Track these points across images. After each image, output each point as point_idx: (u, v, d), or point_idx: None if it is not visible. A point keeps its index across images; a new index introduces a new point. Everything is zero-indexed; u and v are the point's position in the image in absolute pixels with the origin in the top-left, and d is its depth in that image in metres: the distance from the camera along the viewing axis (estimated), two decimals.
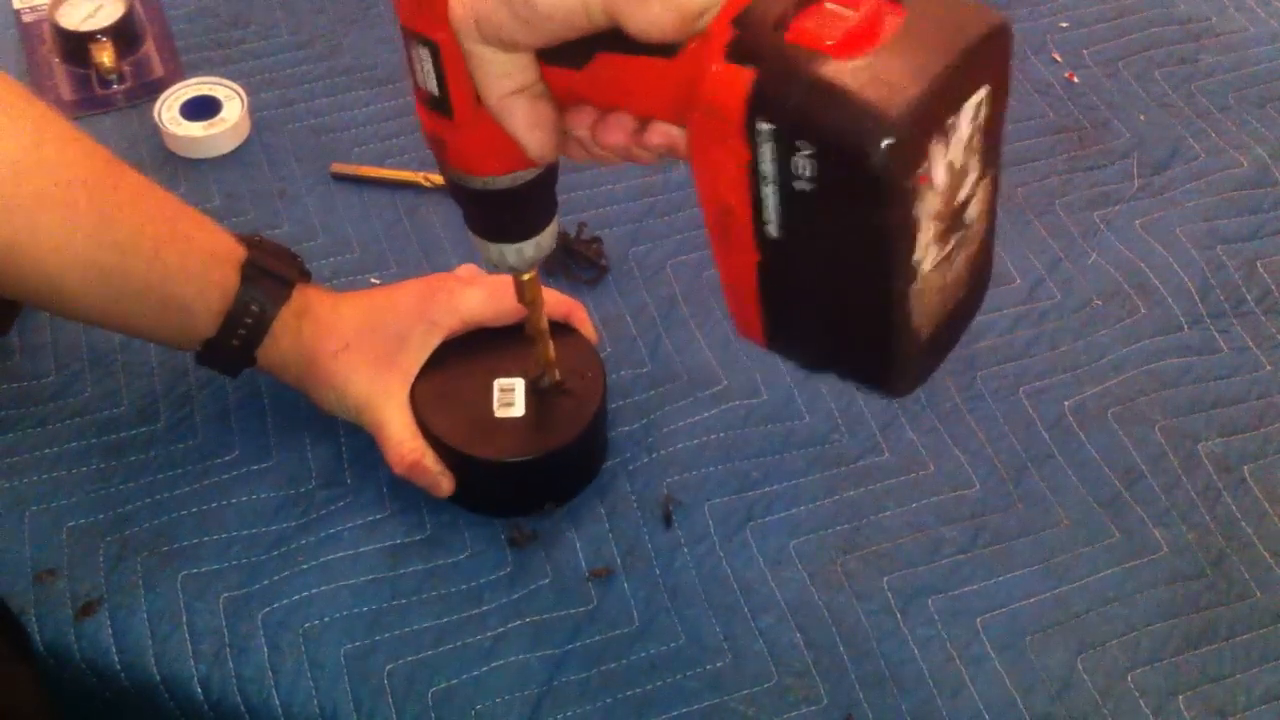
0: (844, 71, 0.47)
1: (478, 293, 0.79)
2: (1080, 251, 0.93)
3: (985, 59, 0.49)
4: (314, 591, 0.76)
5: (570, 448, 0.78)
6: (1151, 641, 0.75)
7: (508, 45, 0.54)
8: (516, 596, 0.76)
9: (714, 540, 0.78)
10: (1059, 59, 1.07)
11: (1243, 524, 0.79)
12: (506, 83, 0.56)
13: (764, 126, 0.49)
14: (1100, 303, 0.90)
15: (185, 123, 0.99)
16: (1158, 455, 0.82)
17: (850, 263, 0.51)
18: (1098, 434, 0.83)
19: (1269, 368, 0.87)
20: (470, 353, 0.79)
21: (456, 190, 0.66)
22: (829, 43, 0.48)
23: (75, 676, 0.75)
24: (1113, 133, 1.01)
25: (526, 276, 0.72)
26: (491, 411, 0.78)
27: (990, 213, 0.55)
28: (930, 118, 0.48)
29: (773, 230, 0.51)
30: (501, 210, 0.66)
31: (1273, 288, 0.91)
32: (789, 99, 0.48)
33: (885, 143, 0.46)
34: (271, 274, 0.77)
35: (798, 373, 0.86)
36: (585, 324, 0.83)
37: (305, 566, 0.77)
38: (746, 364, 0.86)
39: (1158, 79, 1.05)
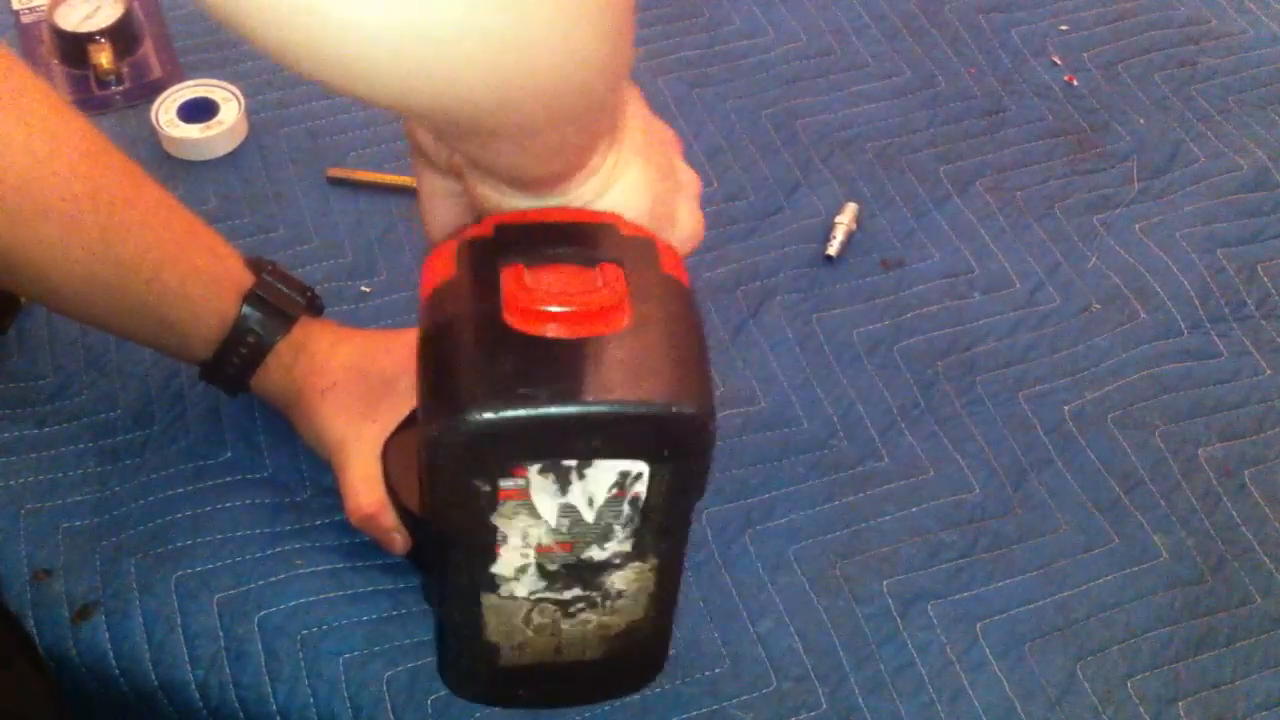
0: (506, 346, 0.45)
1: None
2: (1080, 255, 0.93)
3: (644, 431, 0.45)
4: (313, 599, 0.76)
5: None
6: (1151, 647, 0.74)
7: (428, 161, 0.55)
8: None
9: (712, 549, 0.78)
10: (1058, 62, 1.07)
11: (1243, 529, 0.79)
12: (434, 182, 0.56)
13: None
14: (1100, 307, 0.90)
15: (182, 125, 0.99)
16: (1157, 460, 0.82)
17: (431, 527, 0.49)
18: (1097, 439, 0.83)
19: (1269, 372, 0.87)
20: None
21: None
22: (545, 306, 0.45)
23: (76, 681, 0.75)
24: (1112, 136, 1.01)
25: None
26: None
27: (654, 603, 0.51)
28: (524, 439, 0.44)
29: None
30: None
31: (1273, 291, 0.91)
32: (436, 318, 0.47)
33: (443, 426, 0.44)
34: (274, 306, 0.76)
35: (795, 378, 0.86)
36: None
37: (303, 571, 0.77)
38: (743, 371, 0.86)
39: (1157, 82, 1.05)
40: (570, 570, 0.48)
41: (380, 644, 0.74)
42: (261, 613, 0.75)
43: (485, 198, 0.49)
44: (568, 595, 0.49)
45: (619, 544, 0.47)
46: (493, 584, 0.48)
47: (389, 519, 0.74)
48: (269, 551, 0.78)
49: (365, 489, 0.74)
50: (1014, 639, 0.75)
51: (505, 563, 0.47)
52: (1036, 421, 0.84)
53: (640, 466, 0.45)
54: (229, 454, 0.82)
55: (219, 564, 0.77)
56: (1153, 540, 0.79)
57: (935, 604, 0.76)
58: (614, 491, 0.45)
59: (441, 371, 0.45)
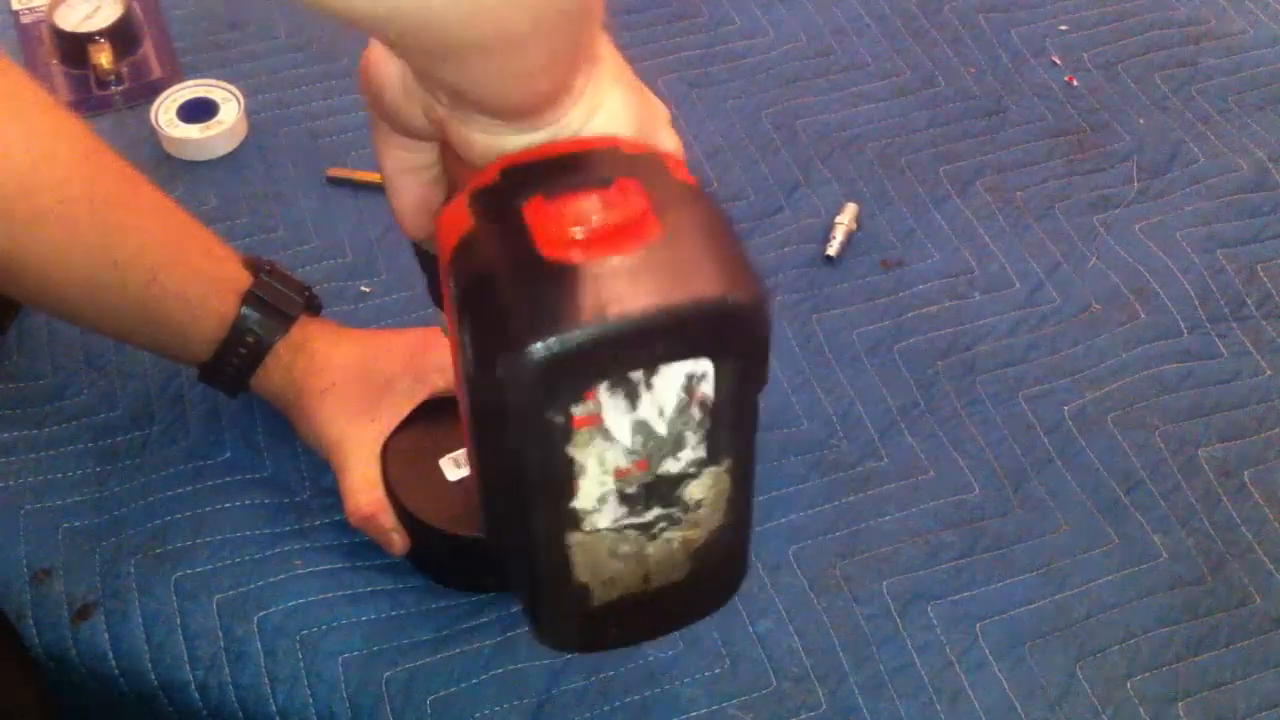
0: (549, 275, 0.44)
1: None
2: (1080, 255, 0.93)
3: (703, 328, 0.45)
4: (312, 599, 0.76)
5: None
6: (1151, 648, 0.74)
7: (398, 128, 0.53)
8: (517, 610, 0.76)
9: None
10: (1058, 62, 1.07)
11: (1243, 529, 0.79)
12: (399, 156, 0.55)
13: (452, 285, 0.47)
14: (1100, 307, 0.90)
15: (182, 125, 0.99)
16: (1157, 460, 0.82)
17: (502, 479, 0.48)
18: (1097, 439, 0.83)
19: (1269, 372, 0.87)
20: (456, 416, 0.74)
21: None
22: (574, 232, 0.45)
23: (76, 681, 0.75)
24: (1112, 136, 1.01)
25: None
26: (454, 479, 0.75)
27: (732, 507, 0.51)
28: (590, 360, 0.44)
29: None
30: None
31: (1273, 292, 0.91)
32: (471, 269, 0.46)
33: (510, 363, 0.43)
34: (272, 306, 0.76)
35: (795, 379, 0.86)
36: None
37: (302, 571, 0.77)
38: None
39: (1157, 82, 1.05)
40: (649, 489, 0.48)
41: (380, 644, 0.74)
42: (261, 613, 0.75)
43: (473, 141, 0.49)
44: (649, 516, 0.49)
45: (693, 451, 0.48)
46: (576, 520, 0.48)
47: (388, 519, 0.74)
48: (269, 552, 0.78)
49: (365, 489, 0.74)
50: (1014, 639, 0.75)
51: (585, 495, 0.47)
52: (1036, 421, 0.84)
53: (704, 365, 0.46)
54: (228, 454, 0.82)
55: (219, 564, 0.77)
56: (1153, 540, 0.79)
57: (935, 604, 0.76)
58: (683, 398, 0.46)
59: (491, 315, 0.45)
